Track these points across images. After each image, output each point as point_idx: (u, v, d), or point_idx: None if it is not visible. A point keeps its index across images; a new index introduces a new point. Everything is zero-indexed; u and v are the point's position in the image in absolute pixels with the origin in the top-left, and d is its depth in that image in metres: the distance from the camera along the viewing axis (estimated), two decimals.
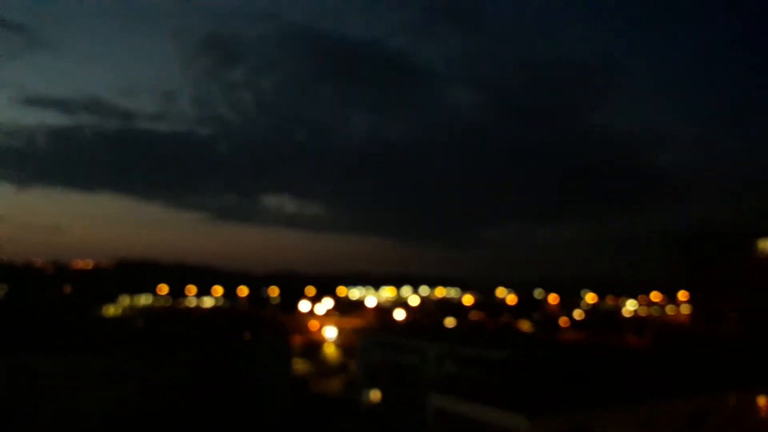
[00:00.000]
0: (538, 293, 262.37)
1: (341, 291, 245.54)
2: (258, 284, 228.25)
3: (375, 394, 65.78)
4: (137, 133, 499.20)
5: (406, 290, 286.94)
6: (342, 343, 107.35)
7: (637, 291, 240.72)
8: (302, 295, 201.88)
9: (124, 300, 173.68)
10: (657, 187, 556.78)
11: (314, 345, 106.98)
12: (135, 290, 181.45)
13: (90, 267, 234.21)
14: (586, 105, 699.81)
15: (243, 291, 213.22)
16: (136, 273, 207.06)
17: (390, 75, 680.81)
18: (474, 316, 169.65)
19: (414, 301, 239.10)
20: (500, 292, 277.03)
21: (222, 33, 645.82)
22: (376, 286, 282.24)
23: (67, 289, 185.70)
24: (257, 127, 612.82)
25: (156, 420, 53.88)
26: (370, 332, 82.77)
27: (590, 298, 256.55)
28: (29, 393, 56.41)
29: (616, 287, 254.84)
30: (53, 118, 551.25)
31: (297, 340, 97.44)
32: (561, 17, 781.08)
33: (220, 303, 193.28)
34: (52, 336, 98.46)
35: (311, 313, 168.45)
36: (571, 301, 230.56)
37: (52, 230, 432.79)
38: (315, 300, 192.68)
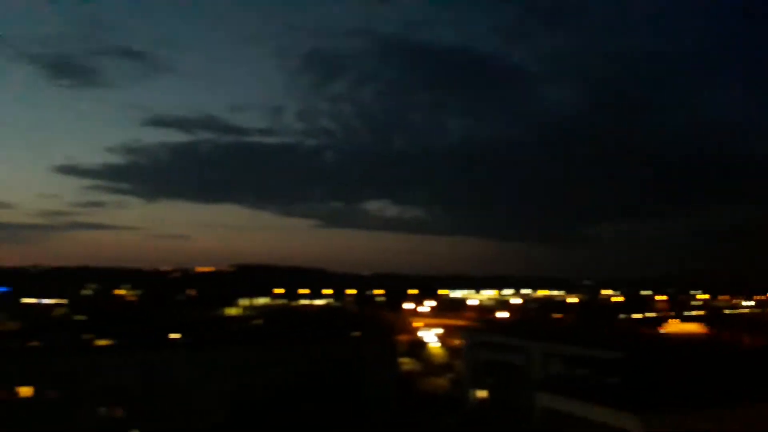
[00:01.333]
0: (645, 292, 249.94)
1: (443, 291, 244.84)
2: (364, 285, 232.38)
3: (480, 393, 64.98)
4: (249, 146, 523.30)
5: (507, 291, 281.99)
6: (446, 342, 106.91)
7: (750, 288, 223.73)
8: (406, 296, 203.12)
9: (244, 302, 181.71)
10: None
11: (418, 344, 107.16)
12: (253, 293, 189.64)
13: (211, 271, 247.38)
14: (686, 96, 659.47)
15: (351, 292, 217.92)
16: (254, 276, 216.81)
17: (483, 78, 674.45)
18: (577, 315, 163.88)
19: (516, 301, 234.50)
20: (605, 291, 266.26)
21: (322, 50, 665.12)
22: (477, 287, 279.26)
23: (192, 292, 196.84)
24: (359, 137, 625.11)
25: (275, 410, 55.75)
26: (474, 331, 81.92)
27: (701, 296, 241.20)
28: (163, 386, 60.30)
29: (727, 285, 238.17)
30: (174, 136, 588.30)
31: (402, 338, 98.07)
32: (658, 7, 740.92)
33: (330, 303, 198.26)
34: (181, 334, 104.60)
35: (415, 312, 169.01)
36: (680, 299, 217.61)
37: (177, 239, 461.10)
38: (418, 300, 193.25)
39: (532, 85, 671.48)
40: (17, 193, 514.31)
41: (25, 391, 59.49)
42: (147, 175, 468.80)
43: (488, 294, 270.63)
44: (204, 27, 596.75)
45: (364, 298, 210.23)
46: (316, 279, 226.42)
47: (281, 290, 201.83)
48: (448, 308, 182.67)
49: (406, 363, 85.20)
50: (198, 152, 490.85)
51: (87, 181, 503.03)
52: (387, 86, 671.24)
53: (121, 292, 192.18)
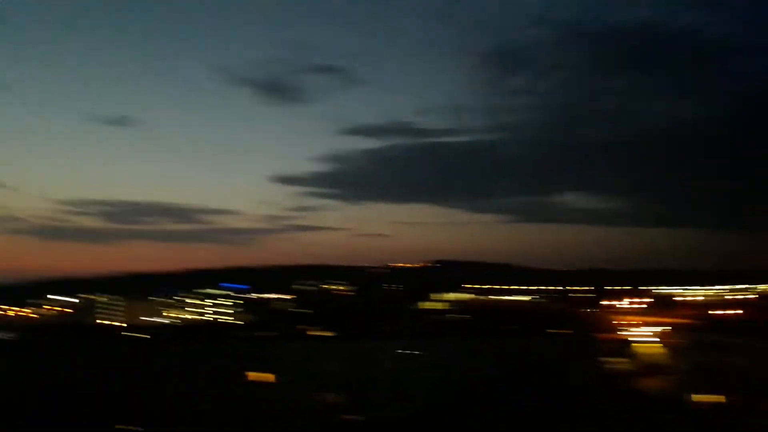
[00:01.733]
0: None
1: (648, 287, 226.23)
2: (562, 281, 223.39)
3: (703, 396, 59.38)
4: (435, 147, 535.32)
5: (723, 286, 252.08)
6: (657, 341, 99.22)
7: None
8: (607, 292, 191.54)
9: (444, 296, 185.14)
10: None
11: (624, 342, 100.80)
12: (451, 287, 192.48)
13: (412, 266, 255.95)
14: None
15: (548, 288, 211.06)
16: (452, 272, 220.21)
17: (677, 55, 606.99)
18: None
19: (735, 296, 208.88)
20: None
21: (499, 45, 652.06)
22: (687, 282, 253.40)
23: (395, 286, 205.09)
24: (545, 128, 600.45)
25: (472, 406, 55.46)
26: (694, 330, 75.08)
27: None
28: (368, 375, 63.81)
29: None
30: (370, 143, 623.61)
31: (606, 336, 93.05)
32: None
33: (531, 299, 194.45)
34: (385, 326, 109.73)
35: (618, 309, 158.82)
36: None
37: (379, 237, 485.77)
38: (620, 296, 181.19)
39: (736, 59, 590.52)
40: (240, 201, 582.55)
41: (257, 376, 66.97)
42: (349, 180, 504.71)
43: (701, 289, 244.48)
44: (391, 38, 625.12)
45: (562, 295, 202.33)
46: (510, 274, 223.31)
47: (478, 285, 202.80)
48: (656, 305, 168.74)
49: (613, 362, 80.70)
50: (392, 156, 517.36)
51: (297, 188, 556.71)
52: (571, 74, 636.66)
53: (336, 287, 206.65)
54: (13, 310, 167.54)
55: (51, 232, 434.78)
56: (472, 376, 64.12)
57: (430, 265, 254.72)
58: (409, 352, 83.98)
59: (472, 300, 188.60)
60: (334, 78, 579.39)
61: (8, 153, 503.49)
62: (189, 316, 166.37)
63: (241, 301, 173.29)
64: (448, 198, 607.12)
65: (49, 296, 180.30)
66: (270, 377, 65.39)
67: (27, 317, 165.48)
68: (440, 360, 74.51)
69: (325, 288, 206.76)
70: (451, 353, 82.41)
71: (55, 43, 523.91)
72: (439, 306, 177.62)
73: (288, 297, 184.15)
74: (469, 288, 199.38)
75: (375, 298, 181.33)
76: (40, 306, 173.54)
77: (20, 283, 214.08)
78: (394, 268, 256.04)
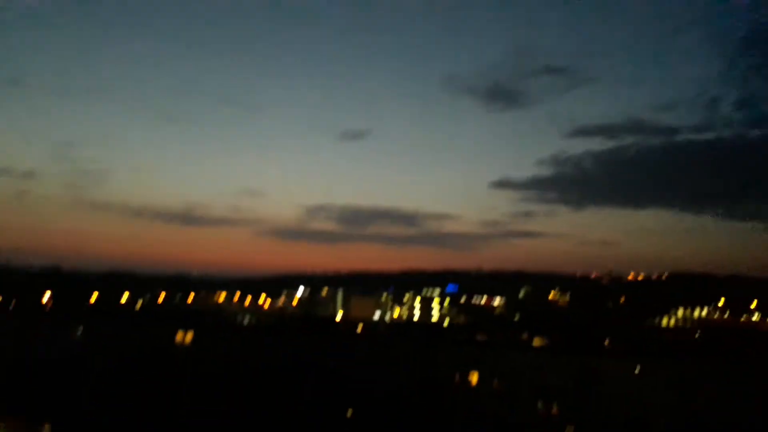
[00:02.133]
0: None
1: None
2: None
3: None
4: (680, 146, 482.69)
5: None
6: None
7: None
8: None
9: (679, 312, 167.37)
10: None
11: None
12: (689, 303, 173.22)
13: (642, 278, 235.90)
14: None
15: None
16: (690, 285, 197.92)
17: None
18: None
19: None
20: None
21: (759, 29, 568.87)
22: None
23: (622, 299, 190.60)
24: None
25: None
26: None
27: None
28: (596, 393, 58.73)
29: None
30: (598, 144, 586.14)
31: None
32: None
33: None
34: (611, 342, 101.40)
35: None
36: None
37: (605, 245, 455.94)
38: None
39: None
40: (461, 206, 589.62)
41: (474, 378, 65.65)
42: (573, 184, 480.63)
43: None
44: (619, 31, 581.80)
45: None
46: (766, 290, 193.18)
47: (722, 302, 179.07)
48: None
49: None
50: (624, 157, 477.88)
51: (519, 194, 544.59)
52: None
53: (553, 296, 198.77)
54: (255, 301, 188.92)
55: (292, 233, 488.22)
56: (714, 401, 55.63)
57: (667, 277, 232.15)
58: (641, 373, 76.25)
59: (714, 318, 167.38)
60: (560, 78, 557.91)
61: (259, 163, 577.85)
62: (405, 315, 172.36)
63: (457, 303, 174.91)
64: (691, 203, 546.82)
65: (285, 290, 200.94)
66: (495, 384, 63.97)
67: (266, 307, 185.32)
68: (680, 381, 66.11)
69: (546, 296, 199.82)
70: (690, 377, 72.90)
71: (300, 65, 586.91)
72: (675, 323, 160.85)
73: (506, 303, 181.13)
74: (715, 305, 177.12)
75: (601, 309, 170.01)
76: (277, 298, 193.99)
77: (263, 277, 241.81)
78: (624, 280, 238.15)
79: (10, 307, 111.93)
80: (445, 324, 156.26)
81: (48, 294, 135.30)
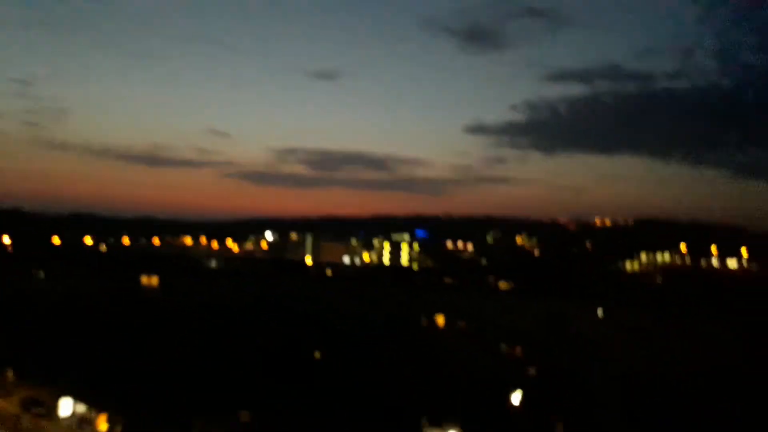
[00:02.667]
0: None
1: None
2: None
3: None
4: (654, 93, 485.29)
5: None
6: None
7: None
8: None
9: (643, 257, 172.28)
10: None
11: None
12: (653, 248, 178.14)
13: (609, 225, 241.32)
14: None
15: None
16: (654, 231, 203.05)
17: None
18: None
19: None
20: None
21: None
22: None
23: (589, 245, 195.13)
24: None
25: (673, 384, 48.24)
26: None
27: None
28: (560, 336, 60.68)
29: None
30: (573, 90, 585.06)
31: None
32: None
33: (746, 266, 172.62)
34: (576, 286, 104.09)
35: None
36: None
37: (575, 191, 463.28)
38: None
39: None
40: (434, 151, 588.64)
41: (441, 320, 67.30)
42: (547, 129, 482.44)
43: None
44: None
45: None
46: (729, 237, 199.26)
47: (685, 248, 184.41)
48: None
49: None
50: (598, 104, 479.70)
51: (492, 138, 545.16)
52: None
53: (520, 240, 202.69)
54: (223, 245, 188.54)
55: (261, 177, 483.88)
56: (673, 352, 57.84)
57: (633, 223, 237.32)
58: (608, 316, 78.54)
59: (677, 263, 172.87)
60: (540, 21, 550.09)
61: (226, 104, 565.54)
62: (375, 259, 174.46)
63: (426, 248, 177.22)
64: (661, 150, 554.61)
65: (253, 234, 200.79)
66: (461, 325, 65.45)
67: (234, 251, 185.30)
68: (639, 329, 68.56)
69: (515, 241, 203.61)
70: (653, 322, 75.72)
71: (272, 3, 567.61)
72: (638, 268, 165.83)
73: (475, 248, 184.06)
74: (678, 250, 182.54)
75: (568, 255, 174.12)
76: (245, 242, 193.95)
77: (231, 221, 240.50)
78: (591, 225, 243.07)
79: None
80: (414, 268, 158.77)
81: (7, 236, 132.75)
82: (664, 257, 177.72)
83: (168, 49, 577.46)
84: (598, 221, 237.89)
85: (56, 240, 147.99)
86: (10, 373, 49.31)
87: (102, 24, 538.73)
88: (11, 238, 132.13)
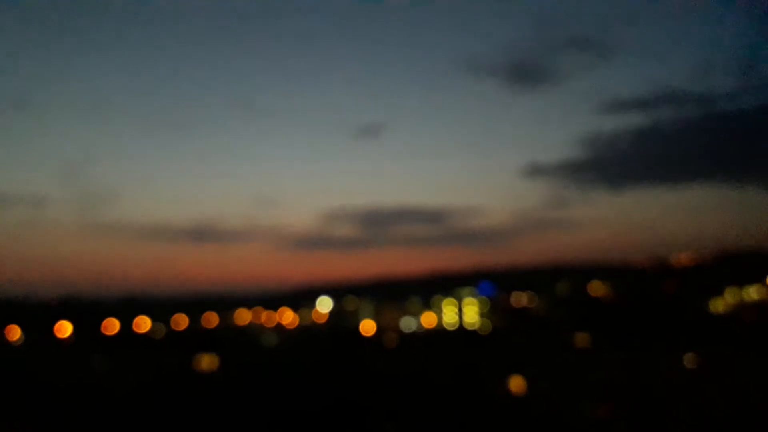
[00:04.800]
0: None
1: None
2: None
3: None
4: (719, 114, 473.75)
5: None
6: None
7: None
8: None
9: (732, 293, 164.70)
10: None
11: None
12: (740, 282, 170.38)
13: (689, 262, 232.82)
14: None
15: None
16: (740, 264, 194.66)
17: None
18: None
19: None
20: None
21: None
22: None
23: (668, 285, 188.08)
24: None
25: None
26: None
27: None
28: (649, 389, 58.12)
29: None
30: (632, 120, 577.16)
31: None
32: None
33: None
34: (660, 333, 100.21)
35: None
36: None
37: (647, 228, 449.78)
38: None
39: None
40: (489, 198, 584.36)
41: (517, 383, 65.49)
42: (609, 164, 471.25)
43: None
44: None
45: None
46: None
47: None
48: None
49: None
50: (661, 132, 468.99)
51: (551, 179, 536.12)
52: None
53: (594, 288, 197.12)
54: (279, 316, 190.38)
55: (312, 242, 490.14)
56: None
57: (716, 256, 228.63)
58: (697, 365, 75.09)
59: None
60: (587, 51, 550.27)
61: (271, 170, 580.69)
62: (437, 320, 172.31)
63: (492, 304, 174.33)
64: (738, 176, 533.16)
65: (309, 302, 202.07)
66: (540, 387, 63.76)
67: (291, 322, 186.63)
68: (745, 379, 64.97)
69: (586, 289, 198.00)
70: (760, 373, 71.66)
71: (307, 63, 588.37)
72: (728, 306, 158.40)
73: (544, 300, 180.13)
74: None
75: (647, 299, 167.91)
76: (301, 311, 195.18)
77: (286, 290, 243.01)
78: (669, 263, 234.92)
79: (28, 341, 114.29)
80: (480, 326, 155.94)
81: (64, 324, 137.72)
82: (753, 292, 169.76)
83: (207, 119, 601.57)
84: (676, 259, 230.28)
85: (113, 324, 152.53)
86: None
87: (140, 101, 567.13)
88: (68, 326, 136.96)
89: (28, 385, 72.38)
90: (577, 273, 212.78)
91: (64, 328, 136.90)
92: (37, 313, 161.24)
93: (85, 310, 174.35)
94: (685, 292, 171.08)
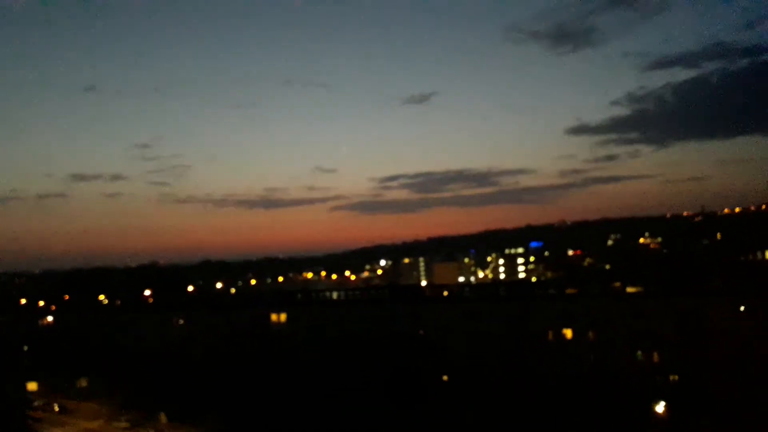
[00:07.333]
0: None
1: None
2: None
3: None
4: (764, 66, 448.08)
5: None
6: None
7: None
8: None
9: None
10: None
11: None
12: None
13: (738, 212, 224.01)
14: None
15: None
16: None
17: None
18: None
19: None
20: None
21: None
22: None
23: (718, 235, 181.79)
24: None
25: None
26: None
27: None
28: (700, 336, 56.69)
29: None
30: (677, 75, 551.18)
31: None
32: None
33: None
34: (709, 282, 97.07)
35: None
36: None
37: (695, 181, 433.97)
38: None
39: None
40: (537, 158, 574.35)
41: (568, 332, 64.96)
42: (655, 120, 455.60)
43: None
44: None
45: None
46: None
47: None
48: None
49: None
50: (707, 86, 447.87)
51: (597, 137, 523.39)
52: None
53: (644, 240, 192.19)
54: (341, 276, 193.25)
55: (368, 206, 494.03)
56: None
57: (764, 207, 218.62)
58: (746, 312, 72.63)
59: None
60: (627, 10, 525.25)
61: (330, 140, 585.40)
62: (490, 276, 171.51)
63: (543, 259, 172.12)
64: None
65: (367, 262, 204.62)
66: (590, 335, 63.07)
67: (351, 281, 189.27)
68: None
69: (637, 242, 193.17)
70: None
71: (357, 37, 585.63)
72: None
73: (595, 253, 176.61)
74: None
75: (697, 249, 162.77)
76: (361, 272, 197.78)
77: (346, 252, 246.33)
78: (718, 214, 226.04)
79: (115, 306, 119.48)
80: (533, 281, 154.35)
81: (148, 290, 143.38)
82: None
83: (269, 96, 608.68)
84: (726, 210, 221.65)
85: (190, 288, 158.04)
86: (162, 417, 52.92)
87: (203, 82, 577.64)
88: (151, 290, 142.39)
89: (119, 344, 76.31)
90: (627, 226, 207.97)
91: (148, 292, 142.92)
92: (122, 278, 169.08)
93: (166, 275, 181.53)
94: (734, 241, 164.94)
